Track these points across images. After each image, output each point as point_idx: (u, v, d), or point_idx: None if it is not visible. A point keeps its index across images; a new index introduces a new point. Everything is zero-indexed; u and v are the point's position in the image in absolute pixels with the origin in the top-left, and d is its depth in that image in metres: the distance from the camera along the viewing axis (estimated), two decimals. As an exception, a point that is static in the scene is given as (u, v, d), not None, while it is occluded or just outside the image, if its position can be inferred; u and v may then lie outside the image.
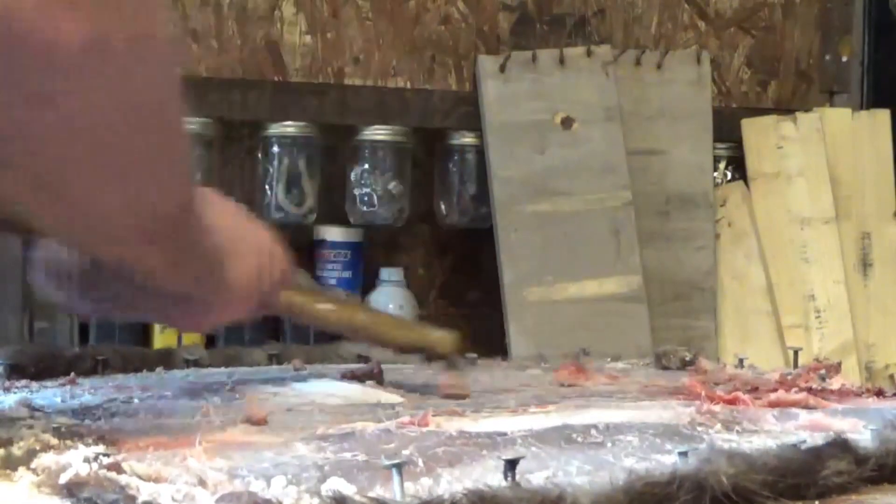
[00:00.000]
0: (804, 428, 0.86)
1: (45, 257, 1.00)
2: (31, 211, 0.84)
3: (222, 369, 1.29)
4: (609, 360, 1.41)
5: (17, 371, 1.21)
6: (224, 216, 1.02)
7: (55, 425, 0.89)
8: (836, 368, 1.18)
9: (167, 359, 1.32)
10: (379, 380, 1.17)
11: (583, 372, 1.19)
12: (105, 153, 0.81)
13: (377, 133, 2.16)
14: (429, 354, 1.13)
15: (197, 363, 1.30)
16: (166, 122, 0.85)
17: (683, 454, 0.66)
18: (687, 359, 1.36)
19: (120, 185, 0.83)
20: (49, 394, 1.09)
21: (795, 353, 1.35)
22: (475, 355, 1.36)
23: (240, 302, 1.03)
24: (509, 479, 0.62)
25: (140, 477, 0.68)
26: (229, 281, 1.00)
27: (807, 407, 0.97)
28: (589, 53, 2.24)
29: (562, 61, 2.22)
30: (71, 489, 0.67)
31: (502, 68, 2.20)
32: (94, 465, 0.67)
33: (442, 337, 1.13)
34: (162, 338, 2.04)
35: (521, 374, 1.25)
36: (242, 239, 1.03)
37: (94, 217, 0.84)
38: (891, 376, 2.33)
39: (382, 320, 1.17)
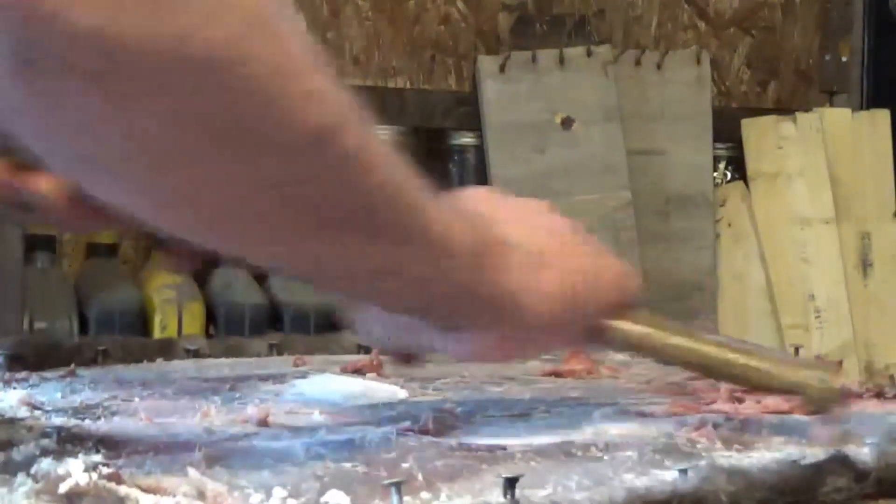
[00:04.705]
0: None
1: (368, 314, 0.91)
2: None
3: (223, 360, 1.29)
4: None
5: (17, 362, 1.21)
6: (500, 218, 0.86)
7: (55, 426, 0.89)
8: (836, 367, 1.18)
9: (167, 349, 1.31)
10: (380, 372, 1.17)
11: (590, 362, 1.18)
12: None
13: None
14: (804, 400, 0.93)
15: (197, 353, 1.30)
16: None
17: (683, 472, 0.66)
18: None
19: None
20: (49, 388, 1.09)
21: (796, 350, 1.35)
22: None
23: (542, 330, 0.86)
24: (509, 497, 0.62)
25: (139, 488, 0.68)
26: (501, 302, 0.83)
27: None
28: (589, 53, 2.24)
29: (562, 61, 2.22)
30: (70, 498, 0.67)
31: (502, 68, 2.20)
32: (94, 475, 0.67)
33: (816, 377, 0.93)
34: (161, 330, 2.05)
35: (518, 366, 1.24)
36: (541, 252, 0.86)
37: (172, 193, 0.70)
38: (891, 376, 2.33)
39: (746, 359, 0.96)
